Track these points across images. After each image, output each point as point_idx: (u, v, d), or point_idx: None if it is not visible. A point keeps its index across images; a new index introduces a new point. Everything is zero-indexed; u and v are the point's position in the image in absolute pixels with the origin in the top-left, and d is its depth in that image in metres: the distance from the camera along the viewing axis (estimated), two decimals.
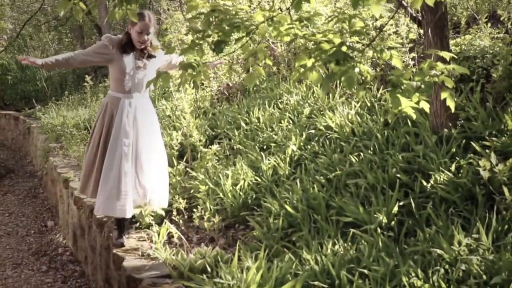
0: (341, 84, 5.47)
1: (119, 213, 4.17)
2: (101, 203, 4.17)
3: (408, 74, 2.34)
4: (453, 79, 3.98)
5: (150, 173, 4.30)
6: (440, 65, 2.40)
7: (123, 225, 4.38)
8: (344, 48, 2.33)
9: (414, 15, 4.16)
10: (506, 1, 5.54)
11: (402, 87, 2.29)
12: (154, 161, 4.34)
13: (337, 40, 2.39)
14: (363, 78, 2.40)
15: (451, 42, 4.84)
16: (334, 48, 2.32)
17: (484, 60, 4.44)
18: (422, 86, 2.31)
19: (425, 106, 2.37)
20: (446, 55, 2.59)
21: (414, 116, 2.44)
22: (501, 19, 5.09)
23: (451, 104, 2.46)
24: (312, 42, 2.45)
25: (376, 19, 5.50)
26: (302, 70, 2.42)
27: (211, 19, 2.51)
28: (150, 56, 4.28)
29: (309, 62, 2.39)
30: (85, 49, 4.35)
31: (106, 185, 4.15)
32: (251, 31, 2.46)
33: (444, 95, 2.45)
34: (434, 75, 2.35)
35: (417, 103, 2.37)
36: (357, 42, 2.62)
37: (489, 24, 5.16)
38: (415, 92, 2.31)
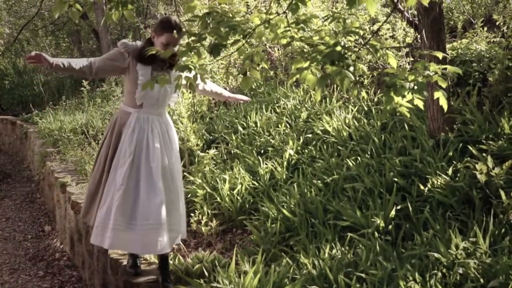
0: (338, 88, 5.48)
1: (106, 244, 3.55)
2: (94, 231, 3.61)
3: (402, 74, 2.34)
4: (449, 82, 4.00)
5: (158, 201, 3.57)
6: (433, 65, 2.41)
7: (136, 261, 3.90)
8: (338, 48, 2.34)
9: (410, 19, 4.17)
10: (501, 5, 5.56)
11: (396, 87, 2.30)
12: (173, 190, 3.69)
13: (332, 42, 2.40)
14: (358, 78, 2.42)
15: (448, 46, 4.85)
16: (329, 49, 2.33)
17: (481, 64, 4.45)
18: (415, 87, 2.32)
19: (419, 103, 2.38)
20: (439, 54, 2.60)
21: (408, 115, 2.45)
22: (497, 23, 5.10)
23: (444, 103, 2.47)
24: (309, 45, 2.46)
25: (373, 23, 5.52)
26: (297, 72, 2.43)
27: (208, 21, 2.51)
28: (171, 67, 3.58)
29: (305, 64, 2.40)
30: (100, 57, 3.70)
31: (101, 211, 3.58)
32: (248, 34, 2.46)
33: (437, 94, 2.45)
34: (427, 75, 2.36)
35: (411, 102, 2.38)
36: (354, 46, 2.63)
37: (485, 28, 5.17)
38: (409, 92, 2.31)
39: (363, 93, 3.09)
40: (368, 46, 2.48)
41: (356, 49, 2.45)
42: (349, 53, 2.35)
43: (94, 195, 3.71)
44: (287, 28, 2.54)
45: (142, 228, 3.51)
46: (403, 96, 2.33)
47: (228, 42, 2.50)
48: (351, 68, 2.32)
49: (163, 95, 3.66)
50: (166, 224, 3.55)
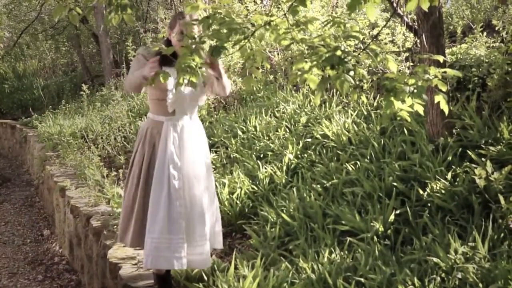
0: (338, 92, 5.48)
1: (173, 265, 3.32)
2: (149, 253, 3.31)
3: (402, 78, 2.35)
4: (449, 87, 4.01)
5: (204, 212, 3.46)
6: (433, 69, 2.41)
7: (167, 283, 3.57)
8: (338, 53, 2.34)
9: (410, 24, 4.18)
10: (501, 11, 5.58)
11: (396, 92, 2.30)
12: (207, 199, 3.54)
13: (334, 44, 2.40)
14: (358, 83, 2.42)
15: (447, 51, 4.87)
16: (329, 53, 2.33)
17: (480, 69, 4.46)
18: (415, 90, 2.32)
19: (419, 108, 2.38)
20: (439, 58, 2.61)
21: (408, 120, 2.45)
22: (496, 28, 5.12)
23: (444, 107, 2.47)
24: (309, 47, 2.46)
25: (373, 28, 5.53)
26: (299, 73, 2.43)
27: (210, 22, 2.51)
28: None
29: (306, 66, 2.41)
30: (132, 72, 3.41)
31: (153, 230, 3.31)
32: (249, 34, 2.47)
33: (437, 98, 2.45)
34: (427, 79, 2.36)
35: (411, 106, 2.38)
36: (354, 51, 2.65)
37: (484, 33, 5.19)
38: (409, 96, 2.32)
39: (363, 98, 3.08)
40: (367, 51, 2.48)
41: (356, 54, 2.46)
42: (349, 58, 2.35)
43: (130, 213, 3.48)
44: (288, 30, 2.55)
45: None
46: (403, 101, 2.33)
47: (229, 44, 2.50)
48: (351, 73, 2.32)
49: (192, 97, 3.44)
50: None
